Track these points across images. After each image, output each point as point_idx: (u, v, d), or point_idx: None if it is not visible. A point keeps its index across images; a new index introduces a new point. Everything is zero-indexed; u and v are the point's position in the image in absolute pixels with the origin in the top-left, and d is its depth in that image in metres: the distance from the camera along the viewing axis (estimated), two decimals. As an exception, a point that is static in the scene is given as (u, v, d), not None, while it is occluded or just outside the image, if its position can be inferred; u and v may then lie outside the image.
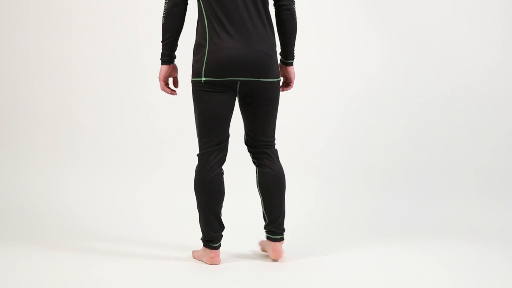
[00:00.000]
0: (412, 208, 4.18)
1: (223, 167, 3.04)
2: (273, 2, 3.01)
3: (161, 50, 2.99)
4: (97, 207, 4.06)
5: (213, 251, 3.00)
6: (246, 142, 3.13)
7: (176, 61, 3.04)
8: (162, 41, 2.97)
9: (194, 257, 3.11)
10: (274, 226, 3.10)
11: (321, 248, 3.35)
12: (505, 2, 4.46)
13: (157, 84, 4.35)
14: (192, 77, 2.96)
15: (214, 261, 3.00)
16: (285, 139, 4.26)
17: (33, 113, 4.41)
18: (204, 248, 3.03)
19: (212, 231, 2.99)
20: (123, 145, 4.38)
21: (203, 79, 2.90)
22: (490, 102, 4.43)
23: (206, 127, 2.96)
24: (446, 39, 4.44)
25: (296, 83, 4.41)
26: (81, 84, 4.42)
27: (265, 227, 3.14)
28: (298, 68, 4.37)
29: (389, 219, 4.05)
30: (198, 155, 3.02)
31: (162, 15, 2.94)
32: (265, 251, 3.21)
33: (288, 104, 4.32)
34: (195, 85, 2.95)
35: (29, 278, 2.71)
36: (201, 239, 3.05)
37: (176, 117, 4.39)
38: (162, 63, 3.00)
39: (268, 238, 3.12)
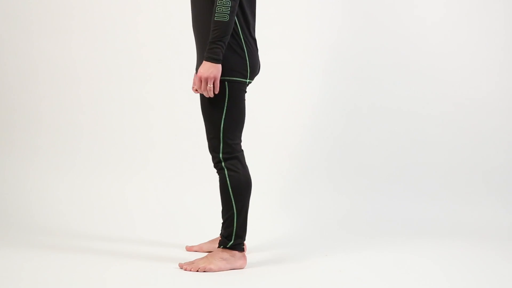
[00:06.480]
0: (412, 209, 4.17)
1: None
2: None
3: (218, 48, 2.70)
4: (98, 207, 4.05)
5: (243, 252, 2.91)
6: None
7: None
8: (221, 39, 2.69)
9: (216, 270, 2.82)
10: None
11: (322, 249, 3.35)
12: (505, 2, 4.46)
13: (156, 84, 4.40)
14: (233, 76, 2.82)
15: (245, 263, 2.91)
16: (285, 138, 4.28)
17: (33, 113, 4.41)
18: (235, 252, 2.86)
19: (246, 231, 2.90)
20: (124, 145, 4.37)
21: (248, 80, 2.88)
22: (491, 102, 4.43)
23: (241, 128, 2.90)
24: (446, 38, 4.43)
25: (293, 84, 4.43)
26: (81, 84, 4.41)
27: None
28: (294, 69, 4.40)
29: (389, 219, 4.06)
30: (234, 156, 2.85)
31: (223, 12, 2.67)
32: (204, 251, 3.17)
33: (288, 104, 4.33)
34: (238, 85, 2.84)
35: (26, 278, 2.70)
36: (231, 245, 2.86)
37: (176, 117, 4.38)
38: (218, 62, 2.72)
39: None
